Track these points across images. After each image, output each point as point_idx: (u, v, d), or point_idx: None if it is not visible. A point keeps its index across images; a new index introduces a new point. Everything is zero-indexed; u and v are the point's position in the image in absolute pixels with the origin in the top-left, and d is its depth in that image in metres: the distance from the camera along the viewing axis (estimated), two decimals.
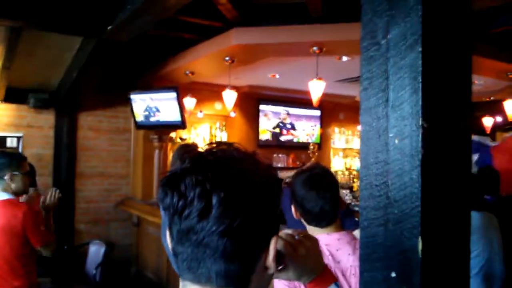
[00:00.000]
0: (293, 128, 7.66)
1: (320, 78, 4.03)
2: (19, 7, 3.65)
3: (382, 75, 0.95)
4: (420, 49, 0.82)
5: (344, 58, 4.56)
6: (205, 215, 0.65)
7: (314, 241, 0.94)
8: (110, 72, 5.26)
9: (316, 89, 4.03)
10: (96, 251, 4.60)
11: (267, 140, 7.38)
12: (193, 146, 3.74)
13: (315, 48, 3.88)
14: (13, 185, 2.65)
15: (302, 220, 1.68)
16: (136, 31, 3.63)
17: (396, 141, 0.91)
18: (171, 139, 6.50)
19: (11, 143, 5.73)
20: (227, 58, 4.38)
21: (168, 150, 6.50)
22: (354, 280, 1.48)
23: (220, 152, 0.72)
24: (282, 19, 3.96)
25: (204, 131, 6.97)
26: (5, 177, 2.61)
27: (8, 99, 5.58)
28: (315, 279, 0.94)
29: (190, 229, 0.66)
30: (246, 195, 0.67)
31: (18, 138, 5.75)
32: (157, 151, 6.11)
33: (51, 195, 2.82)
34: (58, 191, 2.87)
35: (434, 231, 0.84)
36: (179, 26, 4.51)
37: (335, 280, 0.98)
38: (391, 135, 0.94)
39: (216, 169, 0.67)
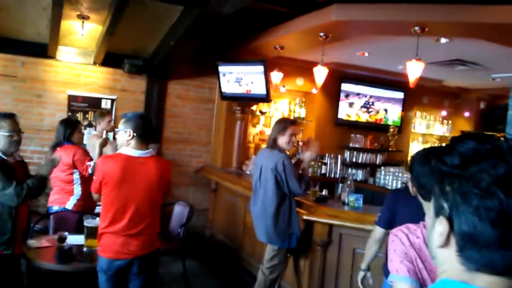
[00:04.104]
0: (371, 106, 7.51)
1: (419, 59, 3.93)
2: None
3: None
4: None
5: (443, 40, 4.39)
6: None
7: None
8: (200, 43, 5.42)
9: (414, 70, 3.94)
10: (181, 211, 4.89)
11: (344, 120, 7.31)
12: (293, 121, 3.86)
13: (416, 28, 3.77)
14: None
15: (418, 197, 1.74)
16: (239, 3, 3.71)
17: None
18: (252, 112, 6.65)
19: (105, 104, 6.14)
20: (321, 34, 4.37)
21: (248, 122, 6.66)
22: None
23: None
24: None
25: (283, 106, 7.04)
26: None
27: (105, 63, 5.95)
28: None
29: None
30: None
31: (112, 100, 6.14)
32: (239, 122, 6.27)
33: None
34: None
35: None
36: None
37: None
38: None
39: None
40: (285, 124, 3.77)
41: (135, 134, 2.79)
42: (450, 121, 8.26)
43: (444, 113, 8.24)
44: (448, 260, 0.76)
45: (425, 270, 1.58)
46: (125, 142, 2.83)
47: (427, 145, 8.16)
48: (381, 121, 7.60)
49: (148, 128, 2.89)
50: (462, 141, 0.75)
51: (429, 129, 8.23)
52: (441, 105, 8.23)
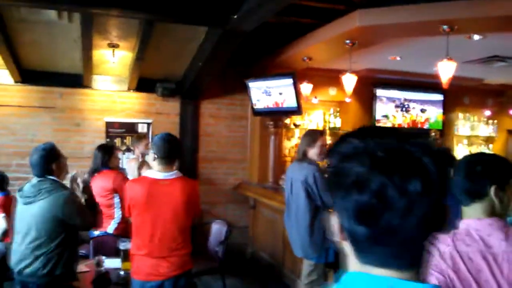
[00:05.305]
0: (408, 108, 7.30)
1: (450, 59, 3.77)
2: (152, 1, 3.95)
3: None
4: None
5: (476, 37, 4.21)
6: None
7: None
8: (228, 60, 5.48)
9: (446, 70, 3.78)
10: (219, 229, 4.87)
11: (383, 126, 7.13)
12: (322, 132, 3.79)
13: (445, 26, 3.63)
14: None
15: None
16: (258, 20, 3.73)
17: None
18: (286, 125, 6.60)
19: (142, 128, 6.27)
20: (347, 42, 4.30)
21: (282, 136, 6.62)
22: (507, 266, 1.47)
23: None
24: None
25: (317, 117, 6.96)
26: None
27: (139, 88, 6.11)
28: None
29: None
30: None
31: (148, 124, 6.28)
32: (272, 137, 6.25)
33: None
34: None
35: None
36: (296, 11, 4.53)
37: None
38: None
39: None
40: (314, 136, 3.70)
41: (156, 157, 2.81)
42: (495, 121, 7.88)
43: (488, 112, 7.86)
44: (349, 254, 0.78)
45: (458, 280, 1.48)
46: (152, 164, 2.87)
47: (473, 148, 7.82)
48: (422, 125, 7.36)
49: (169, 150, 2.82)
50: (342, 140, 0.78)
51: (474, 130, 7.86)
52: (484, 104, 7.87)
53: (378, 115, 7.11)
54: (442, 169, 0.72)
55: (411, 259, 0.73)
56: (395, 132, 0.77)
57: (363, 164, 0.71)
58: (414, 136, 0.74)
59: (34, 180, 2.92)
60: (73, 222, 2.87)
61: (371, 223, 0.70)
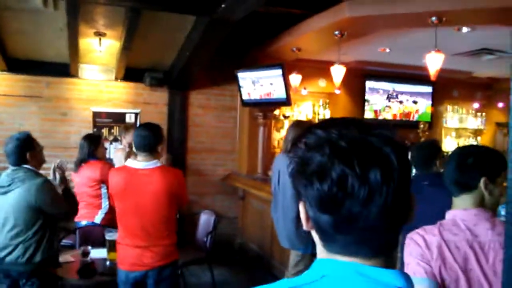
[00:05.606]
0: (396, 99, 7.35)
1: (438, 51, 3.77)
2: None
3: None
4: None
5: (464, 29, 4.21)
6: None
7: None
8: (217, 51, 5.44)
9: (434, 62, 3.79)
10: (207, 220, 4.87)
11: (372, 118, 7.15)
12: (310, 122, 3.77)
13: (433, 18, 3.62)
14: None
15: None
16: (247, 9, 3.69)
17: None
18: (275, 116, 6.58)
19: (129, 118, 6.21)
20: (336, 32, 4.28)
21: (272, 127, 6.60)
22: (493, 254, 1.51)
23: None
24: None
25: (307, 109, 6.95)
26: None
27: (126, 78, 6.03)
28: None
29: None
30: None
31: (136, 114, 6.22)
32: (261, 128, 6.23)
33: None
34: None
35: None
36: (286, 1, 4.50)
37: None
38: None
39: None
40: (303, 126, 3.67)
41: (133, 146, 2.81)
42: (484, 113, 7.94)
43: (476, 105, 7.92)
44: (317, 242, 0.80)
45: (444, 269, 1.49)
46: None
47: (461, 140, 7.89)
48: (413, 116, 7.41)
49: (144, 139, 2.78)
50: (307, 132, 0.78)
51: (462, 123, 7.91)
52: (473, 97, 7.93)
53: (368, 107, 7.12)
54: (403, 159, 0.73)
55: (377, 247, 0.75)
56: (358, 123, 0.77)
57: (324, 153, 0.72)
58: (377, 127, 0.75)
59: (9, 169, 2.93)
60: (48, 210, 2.89)
61: (333, 211, 0.72)
